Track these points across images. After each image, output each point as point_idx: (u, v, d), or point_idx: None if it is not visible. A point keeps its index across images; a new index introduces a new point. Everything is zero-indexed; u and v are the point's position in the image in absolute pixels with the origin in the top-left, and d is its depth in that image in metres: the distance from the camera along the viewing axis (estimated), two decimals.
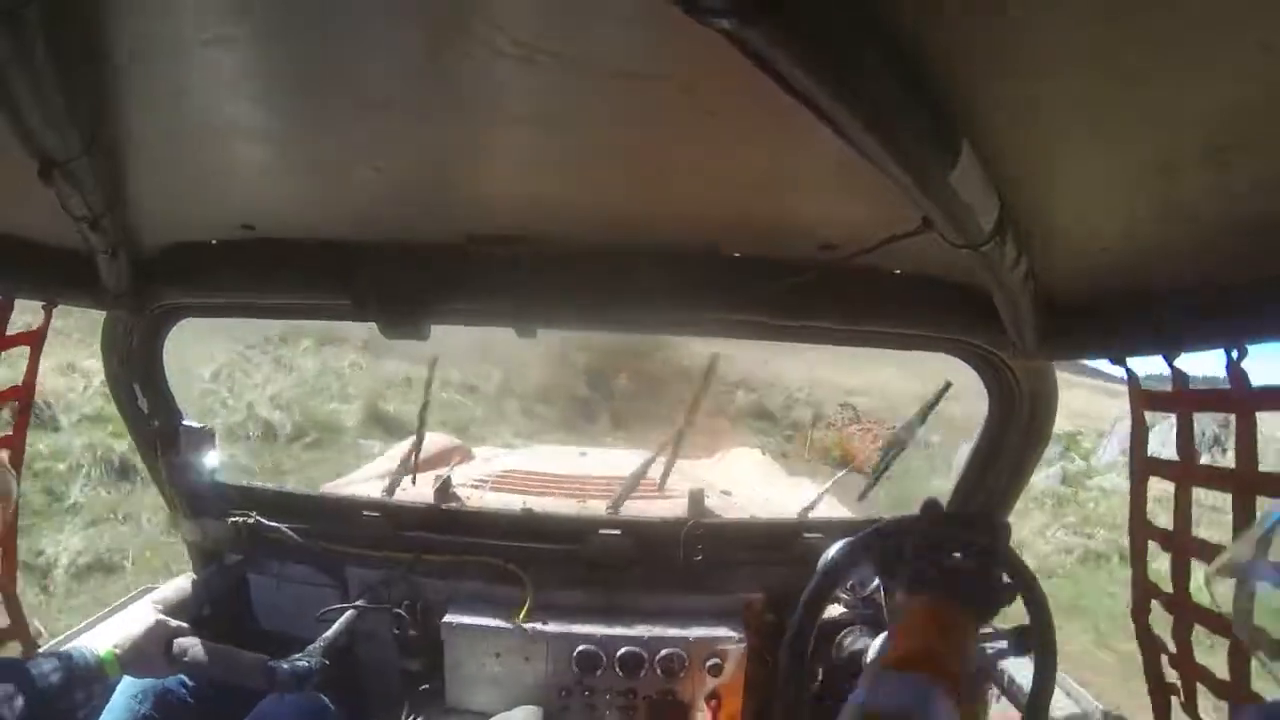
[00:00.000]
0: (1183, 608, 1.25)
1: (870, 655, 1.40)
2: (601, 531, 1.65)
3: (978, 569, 1.11)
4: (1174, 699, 1.31)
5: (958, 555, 1.11)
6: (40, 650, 1.41)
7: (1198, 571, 1.17)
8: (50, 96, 0.76)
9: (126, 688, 1.42)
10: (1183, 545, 1.22)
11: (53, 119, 0.80)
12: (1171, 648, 1.28)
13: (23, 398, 1.49)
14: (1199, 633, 1.24)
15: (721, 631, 1.60)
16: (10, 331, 1.40)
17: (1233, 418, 1.09)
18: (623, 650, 1.57)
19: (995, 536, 1.33)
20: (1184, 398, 1.18)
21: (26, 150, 0.84)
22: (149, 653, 1.33)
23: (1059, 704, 1.50)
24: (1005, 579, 1.15)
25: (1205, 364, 1.13)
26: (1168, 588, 1.27)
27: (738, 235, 1.20)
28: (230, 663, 1.39)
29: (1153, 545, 1.32)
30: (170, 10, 0.73)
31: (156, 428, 1.68)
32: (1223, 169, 0.73)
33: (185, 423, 1.70)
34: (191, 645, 1.37)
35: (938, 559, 1.11)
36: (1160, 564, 1.29)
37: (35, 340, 1.46)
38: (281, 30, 0.75)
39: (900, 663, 0.97)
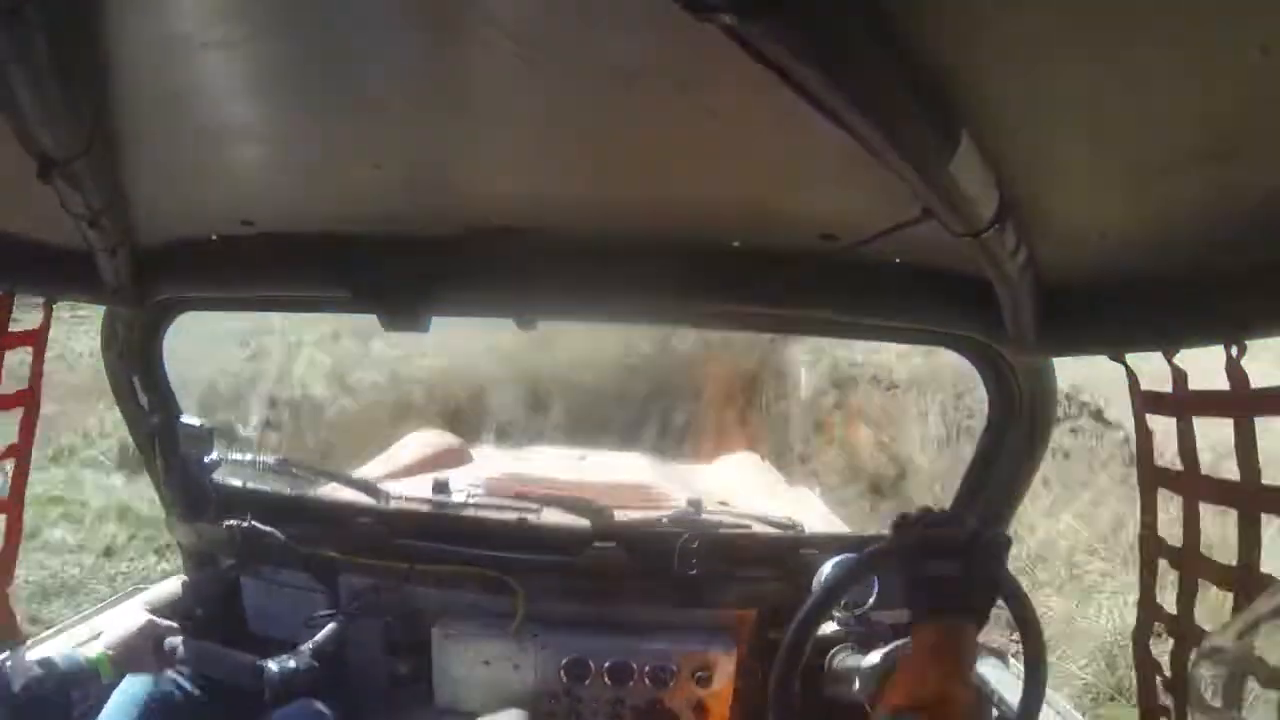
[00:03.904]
0: (1186, 630, 1.18)
1: (859, 676, 1.39)
2: (597, 544, 1.64)
3: (963, 571, 1.06)
4: None
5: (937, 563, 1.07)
6: (32, 657, 1.40)
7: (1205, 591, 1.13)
8: (50, 95, 0.76)
9: (124, 688, 1.41)
10: (1191, 564, 1.16)
11: (52, 118, 0.80)
12: (1168, 671, 1.21)
13: (28, 400, 1.45)
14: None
15: (712, 645, 1.60)
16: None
17: None
18: (611, 660, 1.56)
19: (984, 544, 1.33)
20: (1185, 401, 1.16)
21: (26, 149, 0.84)
22: (139, 651, 1.34)
23: None
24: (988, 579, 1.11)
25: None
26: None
27: (737, 227, 1.20)
28: (220, 662, 1.39)
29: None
30: (170, 8, 0.73)
31: (155, 424, 1.68)
32: (1223, 164, 0.73)
33: (184, 419, 1.69)
34: (181, 644, 1.37)
35: (920, 574, 1.07)
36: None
37: (37, 339, 1.44)
38: (281, 28, 0.75)
39: (904, 707, 0.96)
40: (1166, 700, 1.22)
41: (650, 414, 7.08)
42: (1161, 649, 1.24)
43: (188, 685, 1.48)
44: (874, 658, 1.33)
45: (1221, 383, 1.03)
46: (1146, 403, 1.21)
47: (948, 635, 1.03)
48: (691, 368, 7.44)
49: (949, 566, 1.06)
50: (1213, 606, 1.22)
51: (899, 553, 1.11)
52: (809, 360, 7.52)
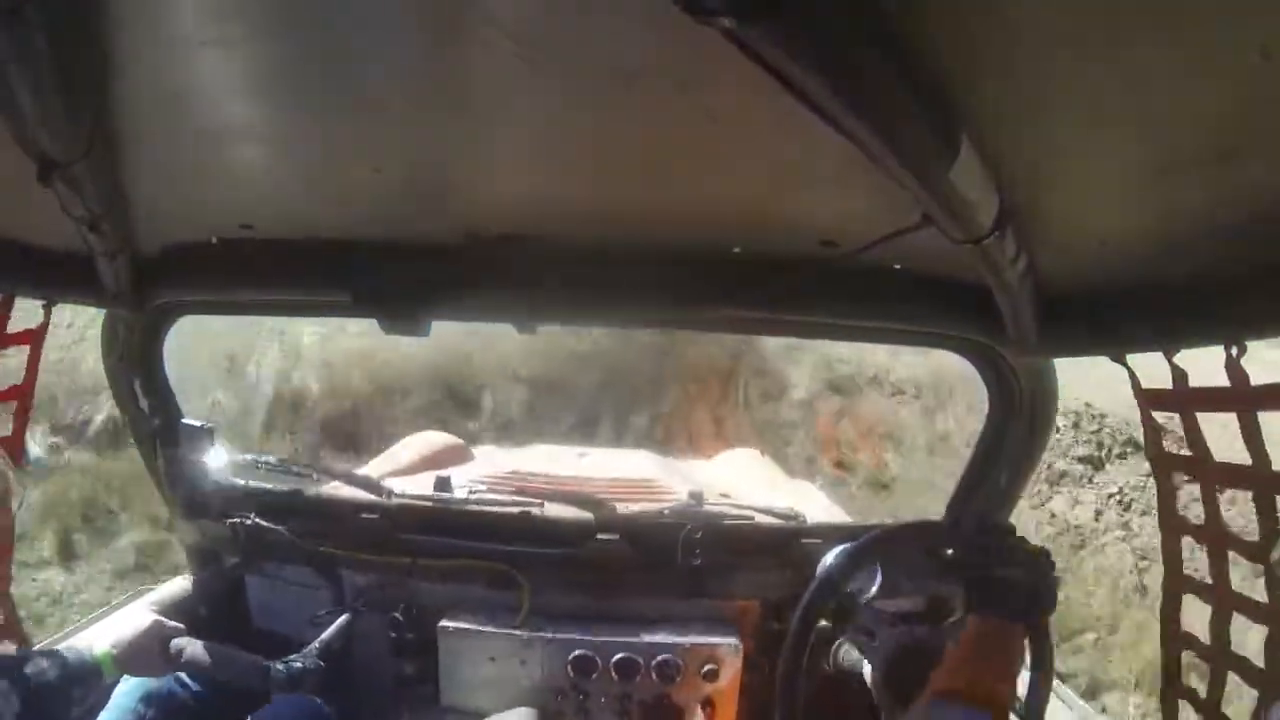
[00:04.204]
0: (1222, 597, 1.25)
1: (866, 665, 1.40)
2: (599, 535, 1.65)
3: (1027, 577, 1.13)
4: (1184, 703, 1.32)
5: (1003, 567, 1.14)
6: (35, 648, 1.41)
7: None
8: (50, 98, 0.76)
9: (125, 689, 1.41)
10: (1217, 537, 1.24)
11: (52, 120, 0.80)
12: (1205, 640, 1.29)
13: (22, 396, 1.48)
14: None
15: (718, 638, 1.60)
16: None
17: None
18: (618, 655, 1.56)
19: (1003, 542, 1.35)
20: (1186, 396, 1.18)
21: (26, 152, 0.84)
22: (146, 652, 1.33)
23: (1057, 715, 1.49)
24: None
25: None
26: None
27: (738, 232, 1.20)
28: (227, 663, 1.39)
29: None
30: (170, 10, 0.73)
31: (156, 426, 1.68)
32: (1223, 166, 0.73)
33: (185, 420, 1.70)
34: (188, 645, 1.36)
35: (987, 575, 1.14)
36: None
37: (35, 339, 1.46)
38: (280, 30, 0.75)
39: (956, 694, 1.00)
40: (1189, 682, 1.32)
41: (603, 410, 6.17)
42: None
43: (190, 684, 1.48)
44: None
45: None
46: (1150, 400, 1.25)
47: (1006, 634, 1.09)
48: (653, 357, 6.44)
49: (1016, 573, 1.12)
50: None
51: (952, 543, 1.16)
52: (791, 355, 6.65)
